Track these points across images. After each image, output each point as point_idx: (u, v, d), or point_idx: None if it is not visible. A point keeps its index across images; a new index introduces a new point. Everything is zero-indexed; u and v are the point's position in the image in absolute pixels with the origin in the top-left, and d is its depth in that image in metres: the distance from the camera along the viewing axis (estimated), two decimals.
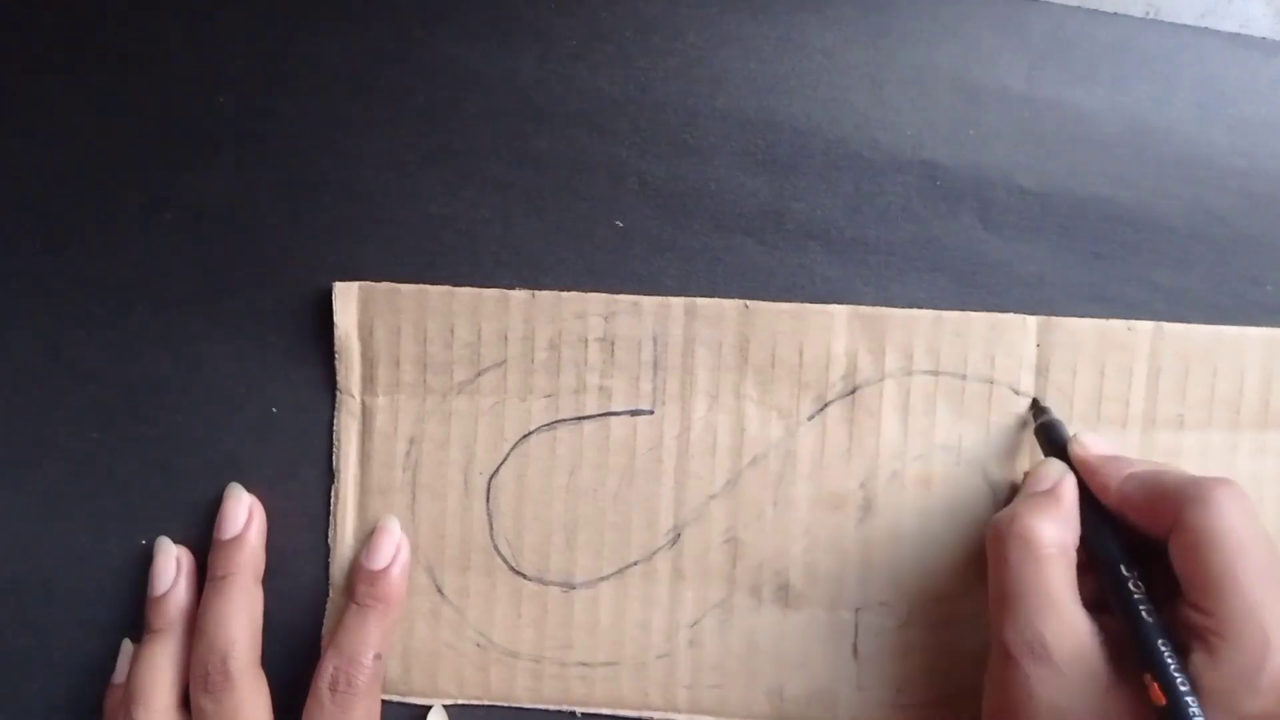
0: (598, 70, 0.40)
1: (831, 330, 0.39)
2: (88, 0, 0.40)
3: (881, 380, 0.39)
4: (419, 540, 0.40)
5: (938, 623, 0.39)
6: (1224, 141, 0.39)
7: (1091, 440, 0.37)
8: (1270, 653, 0.29)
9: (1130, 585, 0.33)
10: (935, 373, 0.39)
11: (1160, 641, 0.31)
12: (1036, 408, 0.39)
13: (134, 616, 0.40)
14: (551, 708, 0.40)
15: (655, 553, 0.40)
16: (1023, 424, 0.39)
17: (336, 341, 0.40)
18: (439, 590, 0.40)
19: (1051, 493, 0.35)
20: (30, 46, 0.40)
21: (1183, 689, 0.30)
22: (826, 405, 0.39)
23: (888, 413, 0.39)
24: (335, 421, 0.40)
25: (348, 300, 0.40)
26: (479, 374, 0.40)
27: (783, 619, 0.40)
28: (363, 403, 0.40)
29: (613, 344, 0.39)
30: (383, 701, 0.40)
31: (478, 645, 0.40)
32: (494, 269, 0.39)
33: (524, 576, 0.40)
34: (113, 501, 0.41)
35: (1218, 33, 0.39)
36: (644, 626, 0.40)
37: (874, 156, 0.39)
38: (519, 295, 0.39)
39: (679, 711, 0.40)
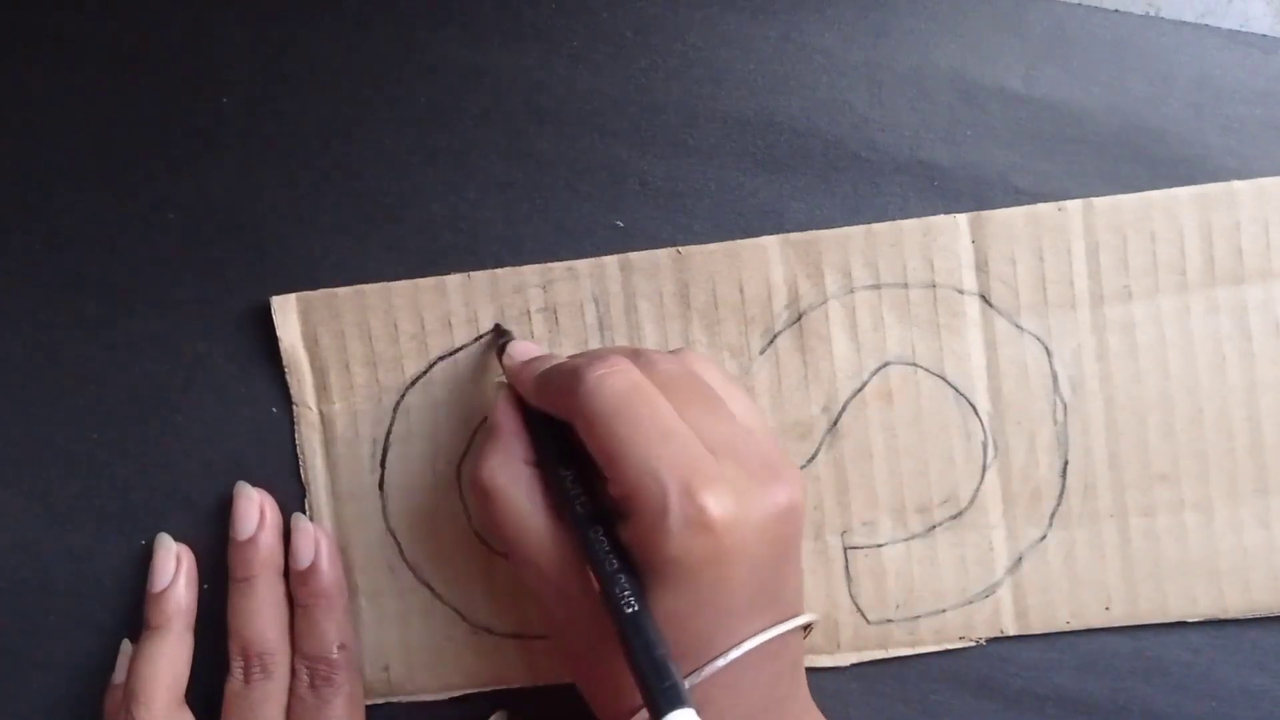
0: (599, 71, 0.40)
1: (767, 262, 0.39)
2: (90, 1, 0.40)
3: (825, 303, 0.39)
4: (401, 539, 0.40)
5: (924, 532, 0.39)
6: (1218, 143, 0.39)
7: (518, 348, 0.37)
8: (670, 497, 0.30)
9: (564, 483, 0.33)
10: (877, 286, 0.39)
11: (591, 529, 0.32)
12: (499, 331, 0.39)
13: (134, 616, 0.40)
14: (557, 682, 0.40)
15: None
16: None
17: (283, 355, 0.40)
18: (428, 586, 0.40)
19: (488, 423, 0.36)
20: (32, 47, 0.40)
21: (611, 567, 0.31)
22: (775, 337, 0.39)
23: (837, 333, 0.39)
24: (295, 435, 0.40)
25: (287, 313, 0.40)
26: (430, 365, 0.40)
27: None
28: (320, 412, 0.40)
29: (555, 312, 0.39)
30: (392, 703, 0.40)
31: (475, 634, 0.40)
32: (495, 268, 0.40)
33: (508, 557, 0.40)
34: (113, 501, 0.41)
35: (1217, 30, 0.40)
36: None
37: (872, 157, 0.40)
38: (454, 279, 0.39)
39: None
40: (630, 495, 0.31)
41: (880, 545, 0.39)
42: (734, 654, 0.31)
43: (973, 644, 0.40)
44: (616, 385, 0.32)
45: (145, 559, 0.40)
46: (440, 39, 0.40)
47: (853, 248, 0.39)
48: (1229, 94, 0.39)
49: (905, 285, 0.39)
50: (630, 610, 0.30)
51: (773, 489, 0.32)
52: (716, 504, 0.30)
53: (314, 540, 0.39)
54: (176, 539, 0.40)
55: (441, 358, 0.40)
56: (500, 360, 0.38)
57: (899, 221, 0.39)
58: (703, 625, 0.31)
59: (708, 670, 0.31)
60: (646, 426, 0.31)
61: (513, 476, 0.34)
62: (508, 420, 0.36)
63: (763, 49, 0.40)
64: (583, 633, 0.33)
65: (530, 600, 0.40)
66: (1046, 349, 0.39)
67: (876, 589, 0.39)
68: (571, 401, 0.32)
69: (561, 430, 0.34)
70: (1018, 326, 0.39)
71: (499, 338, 0.39)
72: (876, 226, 0.39)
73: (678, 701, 0.28)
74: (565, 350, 0.39)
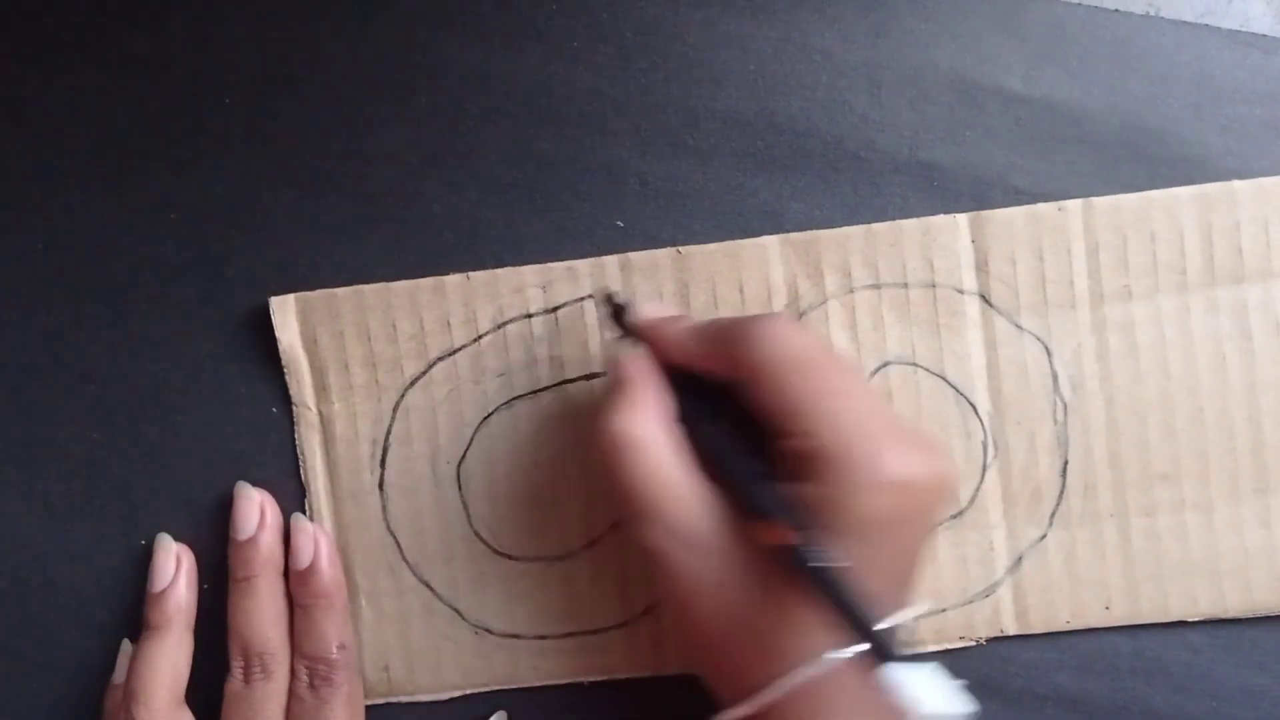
0: (599, 71, 0.40)
1: (767, 262, 0.39)
2: (93, 1, 0.40)
3: (825, 302, 0.39)
4: (401, 539, 0.40)
5: None
6: (1218, 143, 0.39)
7: (646, 307, 0.36)
8: (864, 454, 0.29)
9: (722, 439, 0.33)
10: (877, 286, 0.39)
11: (766, 485, 0.31)
12: (603, 296, 0.38)
13: (134, 616, 0.40)
14: (557, 682, 0.40)
15: None
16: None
17: (282, 355, 0.40)
18: (428, 586, 0.40)
19: (619, 380, 0.35)
20: (35, 47, 0.40)
21: (802, 522, 0.30)
22: None
23: (837, 333, 0.39)
24: (295, 435, 0.40)
25: (286, 313, 0.40)
26: (430, 365, 0.40)
27: None
28: (319, 412, 0.40)
29: (555, 312, 0.39)
30: (391, 703, 0.40)
31: (476, 634, 0.40)
32: (496, 268, 0.40)
33: (508, 557, 0.40)
34: (113, 501, 0.41)
35: (1217, 30, 0.40)
36: (624, 589, 0.40)
37: (871, 157, 0.40)
38: (454, 279, 0.39)
39: (678, 668, 0.40)
40: (827, 446, 0.30)
41: None
42: (899, 617, 0.30)
43: (973, 644, 0.40)
44: (801, 338, 0.31)
45: (145, 559, 0.40)
46: (441, 39, 0.40)
47: (852, 248, 0.39)
48: (1229, 94, 0.39)
49: (905, 285, 0.39)
50: (837, 564, 0.29)
51: (945, 460, 0.31)
52: (906, 465, 0.30)
53: (314, 540, 0.39)
54: (176, 539, 0.40)
55: (441, 358, 0.40)
56: (620, 322, 0.37)
57: (899, 221, 0.39)
58: (875, 588, 0.30)
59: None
60: (837, 381, 0.31)
61: (652, 431, 0.33)
62: (644, 376, 0.34)
63: (763, 49, 0.40)
64: (719, 598, 0.32)
65: (529, 600, 0.40)
66: (1046, 349, 0.39)
67: None
68: (747, 353, 0.31)
69: (705, 388, 0.34)
70: (1018, 326, 0.39)
71: (611, 300, 0.38)
72: (876, 226, 0.39)
73: (906, 654, 0.27)
74: (568, 349, 0.39)
